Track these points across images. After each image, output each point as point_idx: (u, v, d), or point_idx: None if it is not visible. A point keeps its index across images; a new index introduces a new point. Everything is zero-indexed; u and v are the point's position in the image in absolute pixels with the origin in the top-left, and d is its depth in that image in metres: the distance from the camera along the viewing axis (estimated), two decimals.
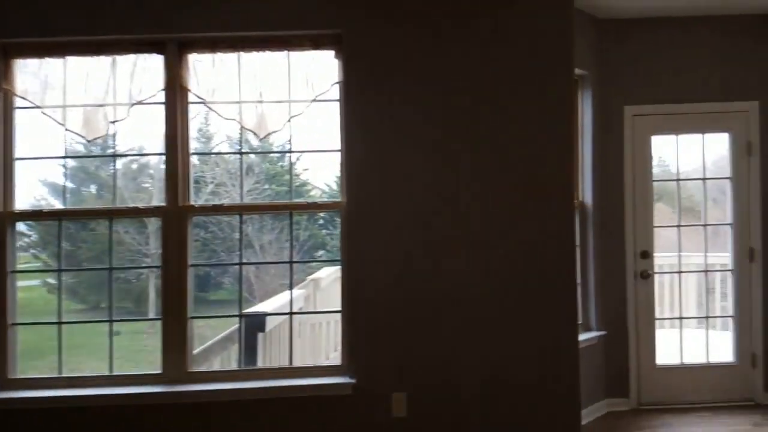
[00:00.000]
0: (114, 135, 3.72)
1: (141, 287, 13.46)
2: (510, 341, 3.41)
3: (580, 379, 3.45)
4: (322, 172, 14.25)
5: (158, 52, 3.46)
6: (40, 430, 3.29)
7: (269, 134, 3.48)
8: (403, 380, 3.39)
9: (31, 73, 3.45)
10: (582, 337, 4.08)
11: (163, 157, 3.49)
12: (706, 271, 5.08)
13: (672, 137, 4.81)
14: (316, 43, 3.46)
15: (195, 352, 3.68)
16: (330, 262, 9.69)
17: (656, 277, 4.74)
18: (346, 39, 3.42)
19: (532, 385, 3.41)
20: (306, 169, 14.26)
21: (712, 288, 5.80)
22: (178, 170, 3.48)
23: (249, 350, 3.94)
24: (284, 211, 3.67)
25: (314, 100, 3.46)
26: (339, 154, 3.48)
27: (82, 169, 13.68)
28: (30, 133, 3.74)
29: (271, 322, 4.15)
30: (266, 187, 13.57)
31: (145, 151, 13.43)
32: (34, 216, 4.64)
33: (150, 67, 3.48)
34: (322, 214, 13.71)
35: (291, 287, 3.68)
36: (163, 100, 3.46)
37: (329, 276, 5.73)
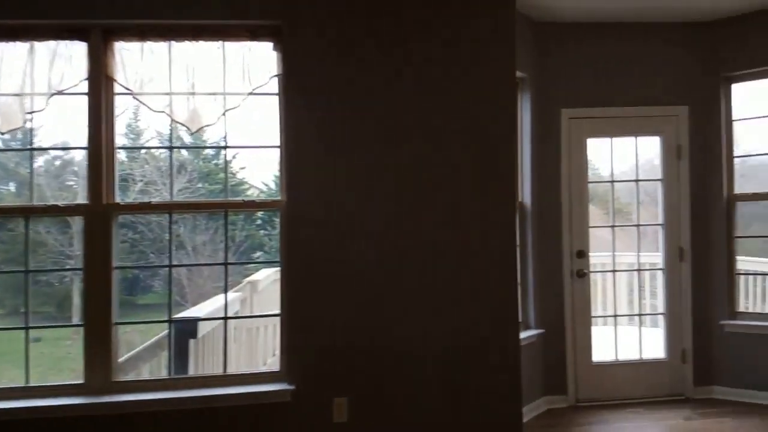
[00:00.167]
0: (32, 129, 3.43)
1: (64, 291, 12.74)
2: (453, 342, 3.36)
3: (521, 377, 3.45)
4: (260, 171, 13.89)
5: (81, 39, 3.23)
6: None
7: (202, 128, 3.30)
8: (344, 385, 3.28)
9: None
10: (522, 335, 4.08)
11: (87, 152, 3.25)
12: (638, 270, 5.25)
13: (606, 140, 4.92)
14: (254, 34, 3.31)
15: (121, 360, 3.46)
16: (268, 263, 9.45)
17: (590, 276, 4.83)
18: (286, 31, 3.28)
19: (475, 385, 3.37)
20: (243, 168, 13.85)
21: (642, 287, 6.00)
22: (102, 165, 3.24)
23: (179, 357, 3.73)
24: (219, 210, 3.48)
25: (251, 94, 3.30)
26: (278, 150, 3.34)
27: (0, 165, 12.82)
28: None
29: (203, 328, 3.94)
30: (200, 185, 13.09)
31: (70, 147, 12.70)
32: None
33: (72, 54, 3.24)
34: (260, 214, 13.37)
35: (225, 290, 3.50)
36: (86, 90, 3.23)
37: (267, 278, 5.55)
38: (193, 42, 3.30)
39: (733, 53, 4.70)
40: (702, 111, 4.80)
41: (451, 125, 3.39)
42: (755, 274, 5.80)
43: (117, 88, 3.28)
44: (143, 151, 13.08)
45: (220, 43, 3.32)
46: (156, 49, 3.28)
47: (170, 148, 3.59)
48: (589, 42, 4.75)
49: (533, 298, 4.56)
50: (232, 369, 4.49)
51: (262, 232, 13.83)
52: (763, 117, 4.73)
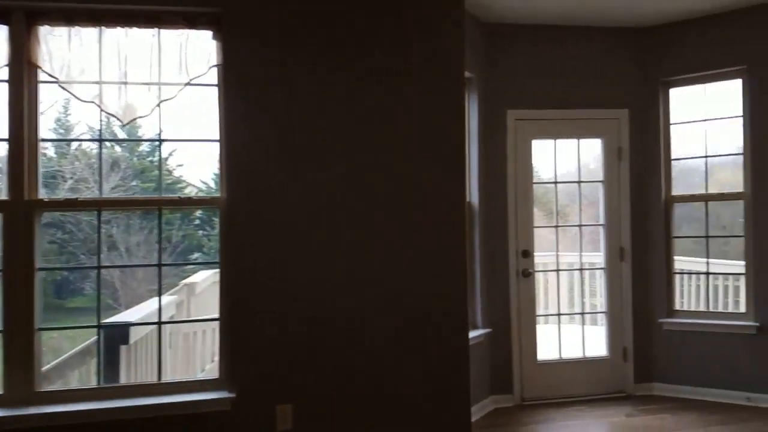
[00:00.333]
0: None
1: None
2: (401, 346, 3.27)
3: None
4: (199, 169, 13.42)
5: (1, 22, 2.96)
6: None
7: (135, 119, 3.10)
8: (288, 391, 3.14)
9: None
10: (469, 335, 4.05)
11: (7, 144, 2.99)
12: (581, 270, 5.33)
13: (550, 141, 4.96)
14: (192, 22, 3.12)
15: (45, 368, 3.21)
16: (207, 264, 9.14)
17: (535, 276, 4.87)
18: (226, 19, 3.11)
19: (424, 387, 3.29)
20: (180, 165, 13.34)
21: (583, 286, 6.11)
22: (23, 158, 2.99)
23: (110, 365, 3.49)
24: (152, 207, 3.27)
25: (188, 84, 3.12)
26: (218, 144, 3.17)
27: None
28: None
29: (136, 333, 3.70)
30: (134, 183, 12.53)
31: None
32: None
33: None
34: (198, 213, 12.91)
35: (160, 293, 3.29)
36: (6, 77, 2.97)
37: (205, 280, 5.32)
38: (126, 29, 3.08)
39: (670, 58, 4.83)
40: (642, 114, 4.91)
41: (399, 123, 3.30)
42: (689, 273, 6.00)
43: (42, 76, 3.03)
44: (73, 146, 12.41)
45: (154, 30, 3.12)
46: (85, 35, 3.05)
47: (99, 141, 3.36)
48: (534, 44, 4.78)
49: (480, 297, 4.54)
50: (168, 377, 4.26)
51: (200, 232, 13.35)
52: (697, 122, 4.88)
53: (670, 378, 4.77)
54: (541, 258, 5.63)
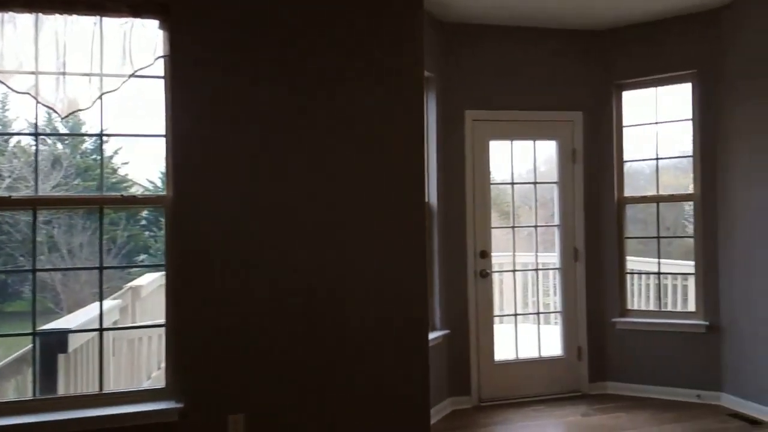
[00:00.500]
0: None
1: None
2: (359, 350, 3.17)
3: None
4: (146, 168, 12.95)
5: None
6: None
7: (75, 113, 2.90)
8: (240, 400, 2.99)
9: None
10: (429, 336, 3.99)
11: None
12: (536, 270, 5.35)
13: (507, 143, 4.95)
14: (136, 10, 2.94)
15: None
16: (153, 267, 8.79)
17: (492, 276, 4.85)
18: (174, 7, 2.95)
19: (381, 393, 3.20)
20: (126, 163, 12.83)
21: (537, 286, 6.14)
22: None
23: (46, 375, 3.25)
24: (92, 206, 3.06)
25: (133, 76, 2.93)
26: (164, 140, 3.00)
27: None
28: None
29: (76, 340, 3.48)
30: (77, 182, 11.98)
31: None
32: None
33: None
34: (145, 213, 12.45)
35: (101, 297, 3.09)
36: None
37: (152, 283, 5.09)
38: (65, 16, 2.88)
39: (623, 62, 4.89)
40: (595, 117, 4.96)
41: (357, 122, 3.20)
42: (639, 273, 6.12)
43: None
44: (11, 144, 11.79)
45: (96, 18, 2.93)
46: (20, 21, 2.84)
47: (35, 135, 3.13)
48: (493, 44, 4.76)
49: (439, 299, 4.48)
50: (111, 386, 4.03)
51: (147, 233, 12.87)
52: (648, 124, 4.95)
53: (623, 377, 4.82)
54: (497, 258, 5.63)
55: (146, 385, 4.36)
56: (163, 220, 3.14)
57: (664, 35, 4.71)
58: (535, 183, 5.07)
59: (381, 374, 3.20)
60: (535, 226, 5.10)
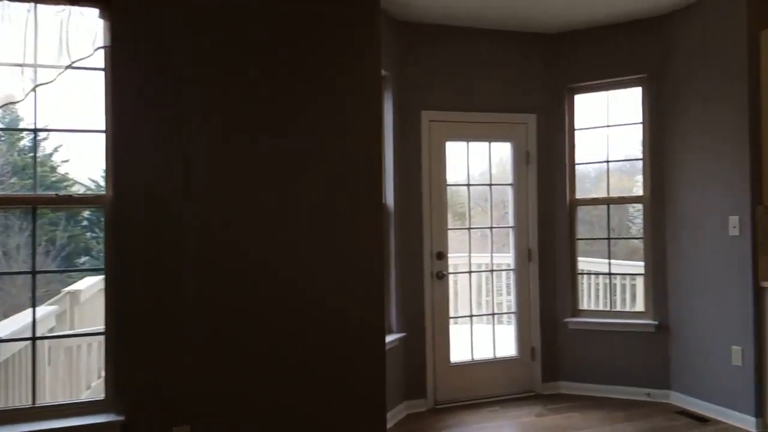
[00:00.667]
0: None
1: None
2: (313, 356, 3.07)
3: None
4: (89, 166, 12.34)
5: None
6: None
7: (6, 105, 2.70)
8: (185, 410, 2.84)
9: None
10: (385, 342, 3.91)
11: None
12: (492, 271, 5.34)
13: (463, 144, 4.93)
14: None
15: None
16: (93, 270, 8.41)
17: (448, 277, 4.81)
18: None
19: (336, 400, 3.10)
20: (66, 161, 12.17)
21: (486, 287, 6.16)
22: None
23: None
24: (25, 206, 2.85)
25: (70, 67, 2.75)
26: (103, 135, 2.82)
27: None
28: None
29: (7, 349, 3.24)
30: (12, 181, 11.36)
31: None
32: None
33: None
34: (86, 214, 11.90)
35: (34, 305, 2.88)
36: None
37: (92, 287, 4.82)
38: None
39: (575, 65, 4.93)
40: (549, 119, 4.99)
41: (311, 120, 3.09)
42: (589, 273, 6.20)
43: None
44: None
45: (29, 5, 2.73)
46: None
47: None
48: (450, 45, 4.72)
49: (395, 301, 4.41)
50: (46, 399, 3.79)
51: (88, 234, 12.28)
52: (599, 127, 5.01)
53: (575, 376, 4.87)
54: (452, 260, 5.60)
55: (85, 395, 4.12)
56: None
57: (615, 40, 4.78)
58: (490, 185, 5.07)
59: (337, 381, 3.10)
60: (491, 228, 5.10)
